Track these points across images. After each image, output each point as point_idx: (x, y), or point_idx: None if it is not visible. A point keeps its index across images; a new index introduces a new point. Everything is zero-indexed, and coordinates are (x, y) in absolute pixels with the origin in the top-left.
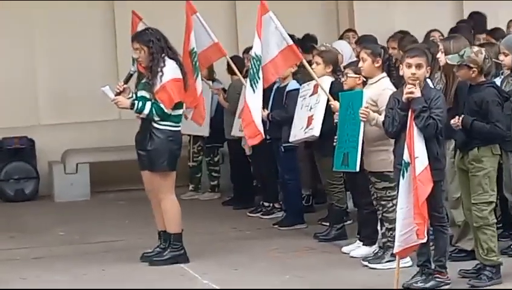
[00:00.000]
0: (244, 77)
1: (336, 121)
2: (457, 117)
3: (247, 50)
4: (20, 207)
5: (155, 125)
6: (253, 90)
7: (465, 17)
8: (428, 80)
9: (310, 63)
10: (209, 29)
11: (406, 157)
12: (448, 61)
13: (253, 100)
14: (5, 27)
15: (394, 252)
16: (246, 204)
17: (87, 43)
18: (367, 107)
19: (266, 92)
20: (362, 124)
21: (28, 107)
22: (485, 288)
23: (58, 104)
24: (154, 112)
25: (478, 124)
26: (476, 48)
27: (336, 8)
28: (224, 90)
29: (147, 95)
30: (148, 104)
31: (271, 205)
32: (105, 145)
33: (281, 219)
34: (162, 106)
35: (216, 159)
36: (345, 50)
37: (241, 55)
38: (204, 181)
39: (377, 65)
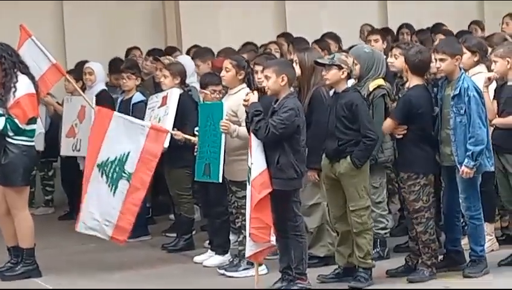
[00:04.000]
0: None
1: None
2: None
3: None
4: None
5: (9, 140)
6: None
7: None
8: None
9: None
10: (46, 51)
11: (249, 163)
12: (320, 61)
13: None
14: None
15: (246, 256)
16: None
17: None
18: (228, 119)
19: (107, 106)
20: (223, 135)
21: None
22: (364, 289)
23: None
24: (8, 127)
25: (355, 154)
26: (344, 53)
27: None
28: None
29: (0, 111)
30: (2, 120)
31: None
32: None
33: None
34: (16, 121)
35: (50, 173)
36: (188, 64)
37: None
38: (38, 196)
39: (240, 77)
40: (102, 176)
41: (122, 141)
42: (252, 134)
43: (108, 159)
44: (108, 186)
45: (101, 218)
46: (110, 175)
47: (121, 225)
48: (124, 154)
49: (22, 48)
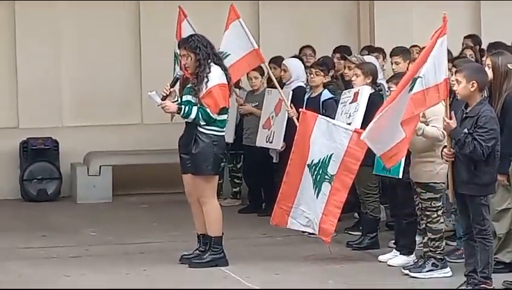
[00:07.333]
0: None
1: None
2: None
3: (273, 60)
4: (43, 207)
5: (200, 129)
6: None
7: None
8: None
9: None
10: (250, 35)
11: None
12: None
13: None
14: (30, 28)
15: None
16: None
17: (112, 45)
18: None
19: (297, 102)
20: None
21: (53, 108)
22: None
23: (82, 106)
24: (200, 116)
25: None
26: None
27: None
28: None
29: (192, 100)
30: (195, 109)
31: None
32: (126, 149)
33: None
34: (208, 110)
35: (238, 166)
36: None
37: None
38: (226, 187)
39: None
40: (312, 176)
41: (326, 144)
42: None
43: (312, 161)
44: (313, 188)
45: (312, 216)
46: (314, 177)
47: (324, 227)
48: (328, 156)
49: (228, 29)
